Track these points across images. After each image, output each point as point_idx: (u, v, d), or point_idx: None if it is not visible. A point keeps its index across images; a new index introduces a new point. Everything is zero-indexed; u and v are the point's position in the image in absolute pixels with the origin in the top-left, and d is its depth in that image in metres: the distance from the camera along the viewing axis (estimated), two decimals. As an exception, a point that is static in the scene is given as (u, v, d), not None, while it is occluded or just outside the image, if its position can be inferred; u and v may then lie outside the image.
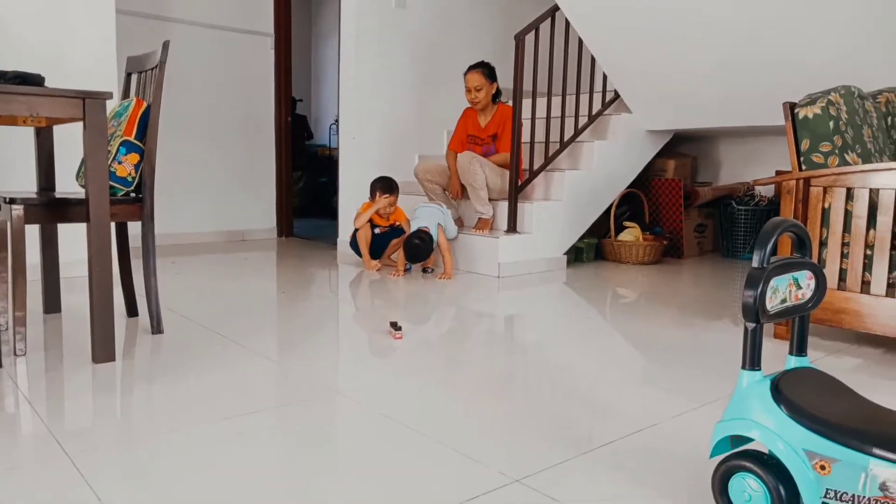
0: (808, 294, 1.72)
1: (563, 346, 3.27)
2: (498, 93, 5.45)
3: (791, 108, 3.34)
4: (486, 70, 5.38)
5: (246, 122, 6.96)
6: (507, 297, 4.54)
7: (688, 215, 6.27)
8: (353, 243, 5.36)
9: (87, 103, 2.67)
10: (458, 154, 5.37)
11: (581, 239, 5.81)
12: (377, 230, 5.30)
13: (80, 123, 3.10)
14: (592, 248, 5.92)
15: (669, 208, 6.20)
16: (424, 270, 5.17)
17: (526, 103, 5.87)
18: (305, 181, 9.09)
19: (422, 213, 5.09)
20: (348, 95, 5.98)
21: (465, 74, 5.42)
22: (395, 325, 3.27)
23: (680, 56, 5.02)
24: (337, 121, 8.49)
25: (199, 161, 6.65)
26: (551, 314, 4.06)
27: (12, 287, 2.65)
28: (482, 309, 4.16)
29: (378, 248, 5.32)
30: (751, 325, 1.63)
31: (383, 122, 6.11)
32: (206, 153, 6.70)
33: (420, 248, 4.93)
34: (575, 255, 5.79)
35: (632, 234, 5.84)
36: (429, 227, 4.97)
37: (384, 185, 5.22)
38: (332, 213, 8.90)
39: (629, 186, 6.09)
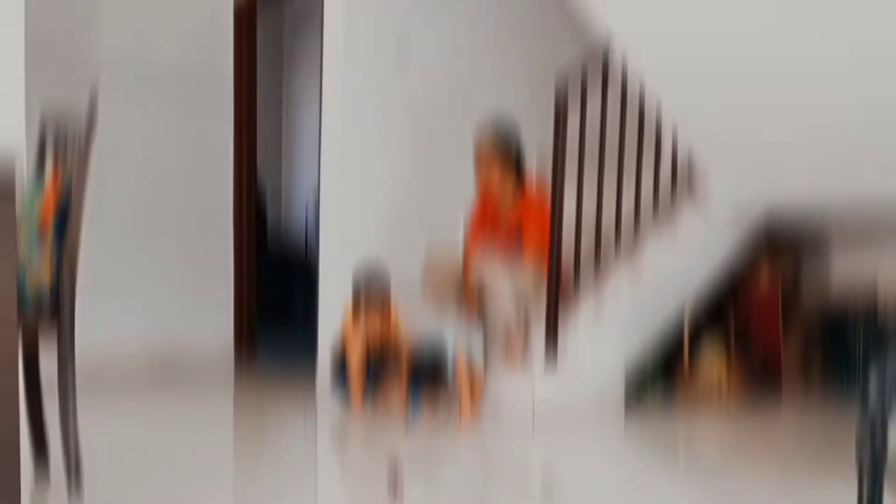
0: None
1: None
2: (521, 169, 5.53)
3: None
4: (505, 156, 5.51)
5: (194, 206, 7.11)
6: (543, 449, 4.55)
7: (788, 333, 6.23)
8: (338, 371, 5.30)
9: None
10: (481, 267, 5.39)
11: (646, 370, 5.80)
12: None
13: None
14: (662, 382, 5.92)
15: (765, 323, 6.18)
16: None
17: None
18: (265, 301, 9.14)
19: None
20: (333, 176, 6.09)
21: (476, 147, 5.54)
22: (395, 482, 3.27)
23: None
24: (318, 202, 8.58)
25: (128, 266, 6.78)
26: (603, 476, 4.05)
27: None
28: (510, 465, 4.17)
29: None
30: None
31: (380, 203, 6.14)
32: (145, 254, 6.86)
33: (430, 369, 4.92)
34: (637, 392, 5.72)
35: (717, 356, 5.90)
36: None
37: (369, 290, 5.19)
38: (304, 318, 8.87)
39: (711, 295, 6.06)
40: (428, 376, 4.92)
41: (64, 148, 3.31)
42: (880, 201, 5.30)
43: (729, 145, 5.46)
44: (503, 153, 5.46)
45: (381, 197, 6.17)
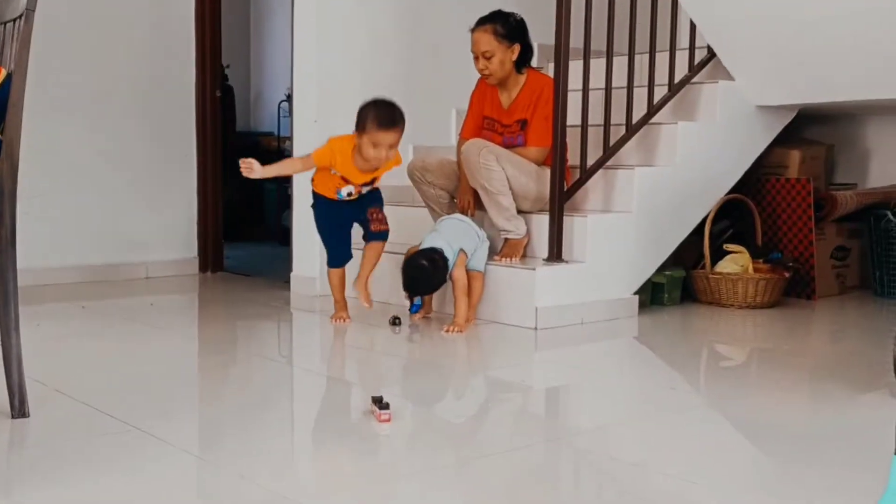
0: None
1: (634, 433, 3.25)
2: (525, 56, 5.46)
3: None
4: (499, 26, 5.39)
5: (152, 98, 7.00)
6: (548, 360, 4.55)
7: (821, 234, 6.28)
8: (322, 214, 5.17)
9: None
10: (465, 142, 5.40)
11: (660, 271, 5.81)
12: (345, 192, 5.03)
13: None
14: (678, 285, 5.94)
15: (793, 223, 6.21)
16: (408, 312, 5.12)
17: (574, 67, 5.86)
18: (237, 187, 9.10)
19: (446, 227, 5.05)
20: (307, 60, 6.04)
21: (471, 33, 5.45)
22: (379, 402, 3.26)
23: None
24: (289, 97, 8.54)
25: (77, 158, 6.68)
26: (615, 385, 4.06)
27: None
28: (510, 377, 4.16)
29: (342, 224, 5.17)
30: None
31: (360, 98, 6.13)
32: (88, 146, 6.73)
33: (426, 275, 4.87)
34: (652, 295, 5.80)
35: (737, 262, 5.85)
36: (444, 248, 4.92)
37: (383, 115, 4.84)
38: (279, 236, 8.91)
39: (732, 191, 6.09)
40: (424, 269, 4.86)
41: (1, 39, 3.28)
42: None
43: (758, 42, 5.53)
44: (501, 38, 5.39)
45: (361, 91, 6.14)
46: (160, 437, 2.99)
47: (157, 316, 5.54)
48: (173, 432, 3.07)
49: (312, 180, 5.11)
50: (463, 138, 5.58)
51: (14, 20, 3.18)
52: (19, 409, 3.15)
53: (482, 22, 5.40)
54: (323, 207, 5.11)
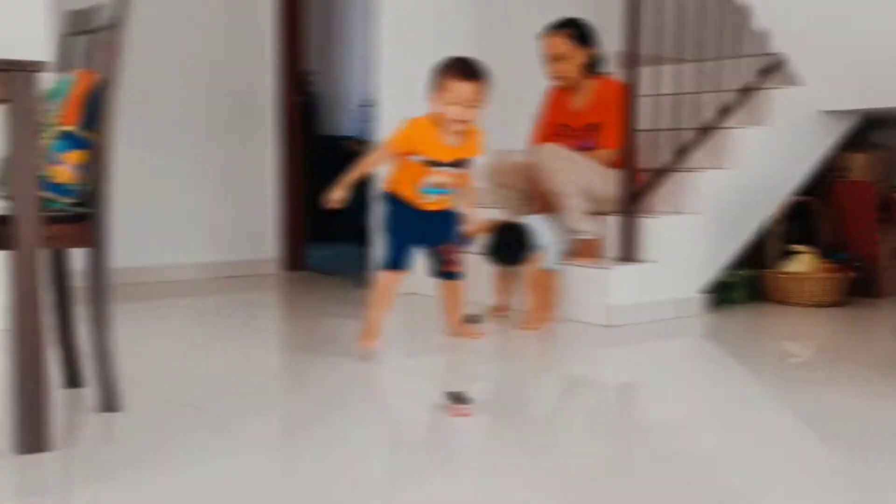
0: None
1: (705, 429, 3.24)
2: (595, 62, 5.43)
3: None
4: (572, 30, 5.36)
5: (234, 104, 7.00)
6: (621, 357, 4.53)
7: (885, 235, 6.18)
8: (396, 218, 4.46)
9: (11, 78, 2.67)
10: (540, 147, 5.36)
11: (731, 270, 5.78)
12: (433, 183, 4.28)
13: None
14: (747, 284, 5.87)
15: (858, 225, 6.12)
16: (475, 317, 4.88)
17: (643, 73, 5.81)
18: (320, 188, 9.11)
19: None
20: (387, 67, 6.03)
21: (541, 38, 5.43)
22: (456, 397, 3.22)
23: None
24: (366, 103, 8.51)
25: (168, 163, 6.69)
26: (686, 381, 4.04)
27: None
28: (585, 373, 4.17)
29: (418, 236, 4.39)
30: None
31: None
32: (177, 152, 6.75)
33: (516, 238, 4.75)
34: (722, 294, 5.73)
35: (804, 262, 5.77)
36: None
37: (459, 66, 4.20)
38: (359, 237, 8.88)
39: (799, 193, 6.04)
40: (517, 231, 4.80)
41: (92, 47, 3.30)
42: None
43: (824, 48, 5.50)
44: (573, 41, 5.35)
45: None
46: (245, 431, 3.01)
47: (243, 312, 5.56)
48: (256, 428, 3.09)
49: (388, 180, 4.44)
50: (534, 143, 5.52)
51: (103, 29, 3.17)
52: (110, 404, 3.17)
53: (555, 26, 5.38)
54: (399, 211, 4.34)
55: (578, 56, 5.35)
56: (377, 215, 4.62)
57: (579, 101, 5.49)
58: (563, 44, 5.33)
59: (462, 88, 4.10)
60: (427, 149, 4.19)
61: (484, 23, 6.36)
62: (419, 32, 6.09)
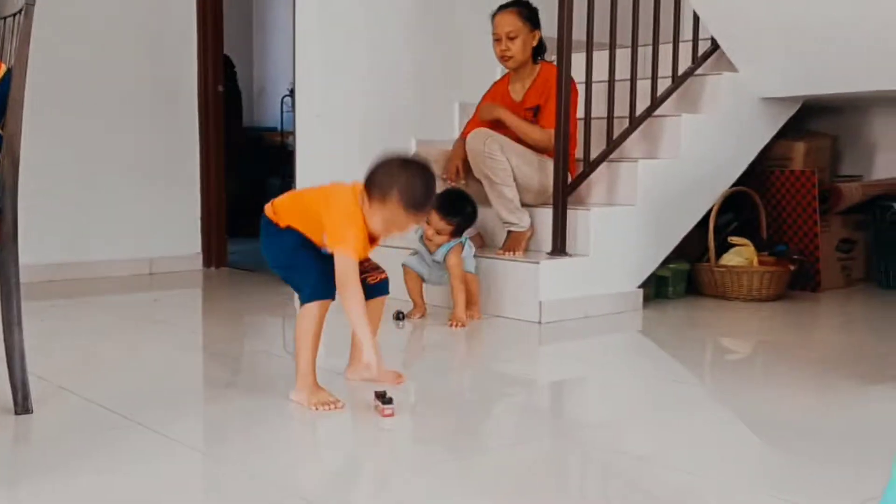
0: None
1: (640, 428, 3.26)
2: (541, 47, 5.49)
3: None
4: (524, 11, 5.43)
5: (155, 94, 6.96)
6: (553, 354, 4.55)
7: (826, 226, 6.27)
8: None
9: None
10: (471, 132, 5.39)
11: (664, 264, 5.80)
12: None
13: None
14: (682, 278, 5.92)
15: (798, 216, 6.19)
16: (401, 314, 4.99)
17: (576, 60, 5.86)
18: (240, 182, 9.09)
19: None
20: (309, 52, 6.01)
21: (493, 17, 5.48)
22: (381, 397, 3.25)
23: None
24: (292, 91, 8.51)
25: (81, 153, 6.64)
26: (620, 379, 4.06)
27: None
28: (515, 371, 4.16)
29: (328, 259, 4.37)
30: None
31: (364, 91, 6.12)
32: (91, 141, 6.69)
33: (466, 197, 4.95)
34: (656, 289, 5.78)
35: (742, 254, 5.83)
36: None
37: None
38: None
39: (736, 183, 6.08)
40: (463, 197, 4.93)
41: (1, 34, 3.30)
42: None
43: (762, 34, 5.56)
44: (525, 20, 5.43)
45: (365, 85, 6.13)
46: (165, 434, 2.99)
47: (163, 311, 5.53)
48: (179, 429, 3.07)
49: (286, 215, 3.49)
50: (469, 129, 5.55)
51: (14, 15, 3.17)
52: (23, 405, 3.15)
53: (507, 5, 5.46)
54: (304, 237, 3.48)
55: (528, 36, 5.42)
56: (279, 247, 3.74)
57: (522, 87, 5.55)
58: (514, 21, 5.38)
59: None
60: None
61: (416, 5, 6.38)
62: (344, 17, 6.07)
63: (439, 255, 4.88)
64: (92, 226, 6.69)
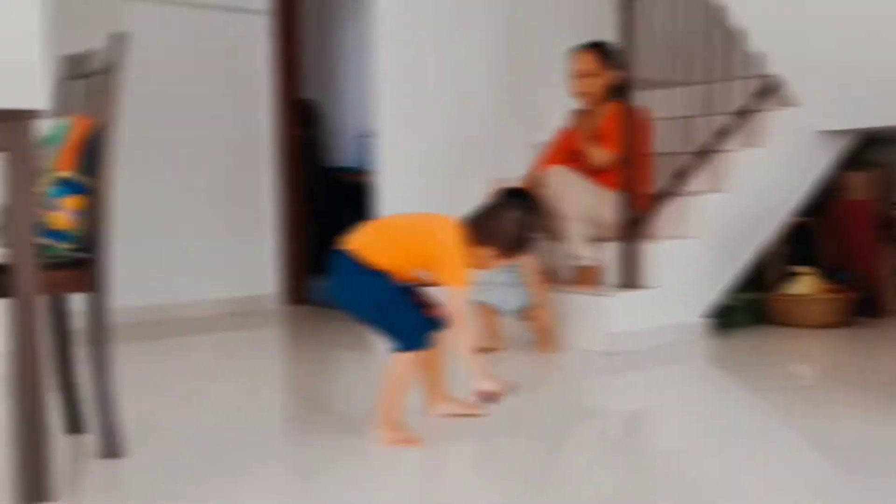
0: None
1: (712, 456, 3.24)
2: (619, 87, 5.37)
3: None
4: (603, 49, 5.42)
5: (232, 136, 7.00)
6: (624, 384, 4.54)
7: (886, 253, 6.17)
8: None
9: (9, 127, 2.65)
10: (548, 170, 5.37)
11: (733, 294, 5.77)
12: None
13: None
14: (750, 308, 5.86)
15: (858, 244, 6.14)
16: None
17: (650, 97, 5.82)
18: (317, 221, 9.09)
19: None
20: (386, 95, 6.07)
21: (571, 56, 5.47)
22: (488, 395, 3.23)
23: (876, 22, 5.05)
24: (366, 134, 8.53)
25: (171, 201, 6.67)
26: (691, 408, 4.05)
27: None
28: (589, 402, 4.18)
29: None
30: None
31: (440, 132, 6.15)
32: (180, 190, 6.73)
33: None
34: (725, 318, 5.70)
35: (807, 283, 5.79)
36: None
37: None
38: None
39: (800, 214, 6.05)
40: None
41: (88, 91, 3.29)
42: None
43: (820, 69, 5.53)
44: (603, 59, 5.43)
45: (441, 126, 6.17)
46: (256, 478, 3.00)
47: (249, 352, 5.57)
48: (269, 473, 3.08)
49: (374, 253, 3.37)
50: (541, 166, 5.54)
51: (100, 73, 3.17)
52: (113, 449, 3.16)
53: (585, 45, 5.46)
54: (390, 281, 3.32)
55: (604, 76, 5.39)
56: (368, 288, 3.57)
57: (592, 124, 5.50)
58: (591, 61, 5.38)
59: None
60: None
61: (493, 47, 6.42)
62: (419, 62, 6.14)
63: (505, 274, 4.86)
64: (178, 269, 6.69)
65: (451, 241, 3.26)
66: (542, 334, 5.02)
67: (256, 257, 7.15)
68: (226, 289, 6.95)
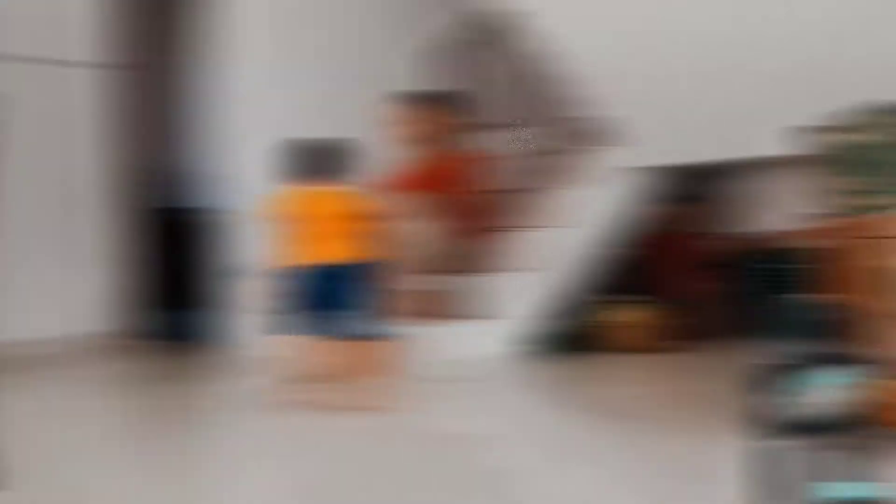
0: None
1: (538, 473, 3.58)
2: (458, 131, 5.79)
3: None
4: (434, 98, 5.82)
5: (59, 185, 7.27)
6: (451, 410, 4.89)
7: (705, 282, 6.69)
8: None
9: None
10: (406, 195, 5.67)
11: (556, 322, 6.12)
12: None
13: None
14: (573, 335, 6.24)
15: (679, 273, 6.66)
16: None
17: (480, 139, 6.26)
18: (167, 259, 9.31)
19: None
20: (235, 138, 6.59)
21: (399, 106, 5.86)
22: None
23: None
24: (213, 175, 8.91)
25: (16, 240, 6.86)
26: (517, 431, 4.44)
27: None
28: (417, 425, 4.48)
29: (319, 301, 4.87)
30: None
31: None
32: (24, 231, 6.96)
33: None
34: (548, 346, 6.08)
35: (629, 311, 6.29)
36: None
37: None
38: (204, 302, 9.02)
39: (622, 245, 6.38)
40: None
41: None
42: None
43: (645, 107, 5.91)
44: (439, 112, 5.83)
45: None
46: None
47: (113, 385, 5.94)
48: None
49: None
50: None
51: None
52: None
53: (417, 95, 5.86)
54: None
55: (436, 121, 5.82)
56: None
57: (428, 167, 5.87)
58: (422, 109, 5.79)
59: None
60: None
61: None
62: (272, 101, 6.58)
63: None
64: (20, 303, 6.77)
65: None
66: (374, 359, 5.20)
67: (88, 292, 7.39)
68: (64, 324, 7.15)
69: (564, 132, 6.34)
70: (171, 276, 9.37)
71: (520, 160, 6.16)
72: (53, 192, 7.24)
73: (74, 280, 7.28)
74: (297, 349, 4.85)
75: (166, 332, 7.83)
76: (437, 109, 5.86)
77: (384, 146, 6.07)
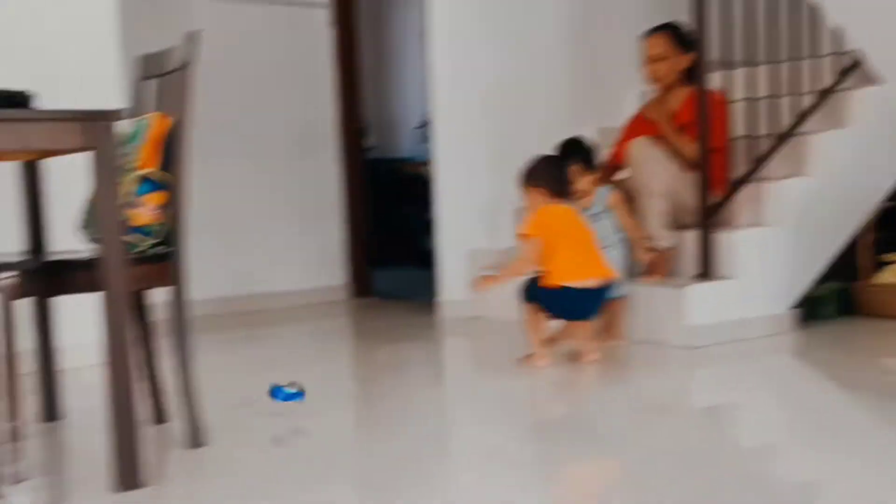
0: None
1: (801, 454, 3.36)
2: (693, 71, 5.49)
3: None
4: (673, 33, 5.60)
5: (296, 133, 7.44)
6: (705, 379, 4.66)
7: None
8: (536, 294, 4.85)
9: (93, 127, 2.95)
10: (632, 141, 5.53)
11: (819, 284, 5.79)
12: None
13: (71, 156, 3.38)
14: (837, 298, 5.93)
15: None
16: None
17: (725, 78, 5.97)
18: (380, 214, 9.37)
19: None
20: (441, 87, 6.39)
21: (642, 39, 5.68)
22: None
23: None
24: (423, 124, 8.79)
25: (230, 196, 7.10)
26: (778, 404, 4.15)
27: (7, 388, 2.97)
28: (667, 398, 4.28)
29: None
30: None
31: (499, 120, 6.47)
32: (248, 186, 7.21)
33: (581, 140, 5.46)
34: (811, 310, 5.74)
35: (898, 271, 5.85)
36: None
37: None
38: (420, 260, 9.04)
39: (890, 199, 6.03)
40: None
41: (161, 90, 3.62)
42: None
43: None
44: (675, 44, 5.63)
45: (500, 113, 6.52)
46: (337, 466, 3.26)
47: (322, 343, 5.97)
48: (352, 462, 3.36)
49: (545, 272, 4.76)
50: (624, 139, 5.76)
51: (173, 71, 3.50)
52: (196, 438, 3.45)
53: (655, 28, 5.65)
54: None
55: (677, 59, 5.59)
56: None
57: (669, 110, 5.67)
58: (662, 44, 5.59)
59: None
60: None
61: (555, 35, 6.74)
62: (479, 47, 6.40)
63: (600, 203, 5.25)
64: (243, 260, 7.19)
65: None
66: (611, 324, 5.24)
67: (324, 250, 7.62)
68: (297, 281, 7.45)
69: (828, 70, 5.88)
70: (386, 232, 9.39)
71: (779, 101, 5.70)
72: (293, 142, 7.53)
73: (311, 235, 7.62)
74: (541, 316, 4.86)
75: (382, 288, 7.98)
76: (674, 44, 5.65)
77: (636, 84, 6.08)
